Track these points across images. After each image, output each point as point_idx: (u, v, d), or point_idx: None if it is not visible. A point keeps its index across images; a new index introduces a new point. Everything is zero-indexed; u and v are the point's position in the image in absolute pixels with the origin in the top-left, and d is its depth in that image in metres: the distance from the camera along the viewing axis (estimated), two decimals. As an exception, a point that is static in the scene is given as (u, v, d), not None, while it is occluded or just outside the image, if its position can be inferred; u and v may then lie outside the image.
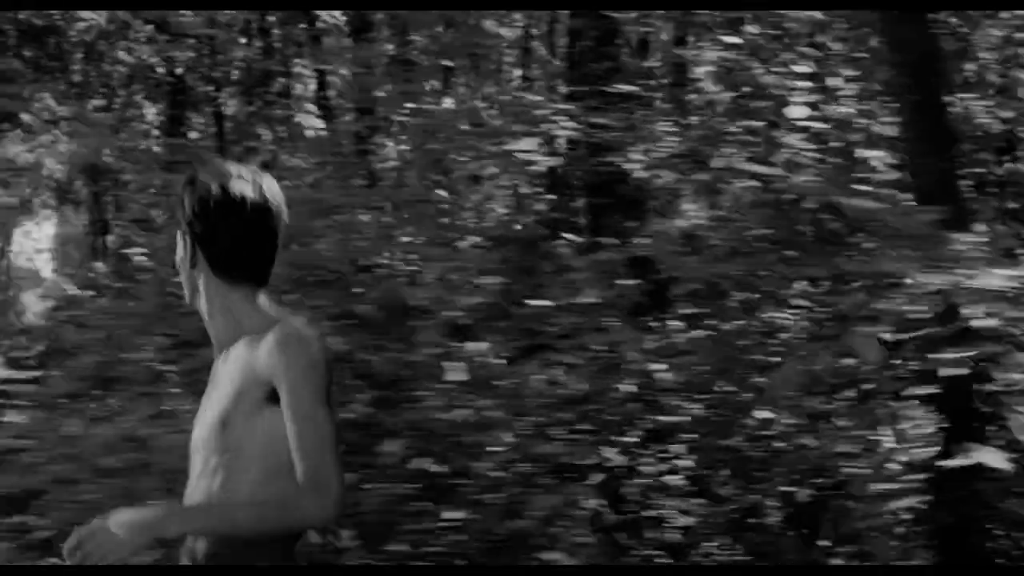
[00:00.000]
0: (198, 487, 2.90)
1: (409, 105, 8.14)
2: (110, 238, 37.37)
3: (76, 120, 23.82)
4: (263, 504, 2.75)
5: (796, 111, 6.89)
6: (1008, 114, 10.93)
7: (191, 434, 3.01)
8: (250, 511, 2.74)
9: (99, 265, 28.84)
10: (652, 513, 5.78)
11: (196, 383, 4.98)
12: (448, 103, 13.72)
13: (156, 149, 25.16)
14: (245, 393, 2.84)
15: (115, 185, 27.83)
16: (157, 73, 22.12)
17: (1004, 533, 5.74)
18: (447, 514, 5.34)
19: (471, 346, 5.67)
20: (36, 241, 50.33)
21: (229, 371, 2.90)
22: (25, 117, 22.31)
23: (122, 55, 22.71)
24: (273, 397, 2.81)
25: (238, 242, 2.92)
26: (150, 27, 20.71)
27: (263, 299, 2.98)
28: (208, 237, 2.91)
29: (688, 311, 6.32)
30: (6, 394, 8.67)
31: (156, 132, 25.11)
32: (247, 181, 2.96)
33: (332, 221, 6.24)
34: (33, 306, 53.02)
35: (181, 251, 2.98)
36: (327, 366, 2.87)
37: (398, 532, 5.26)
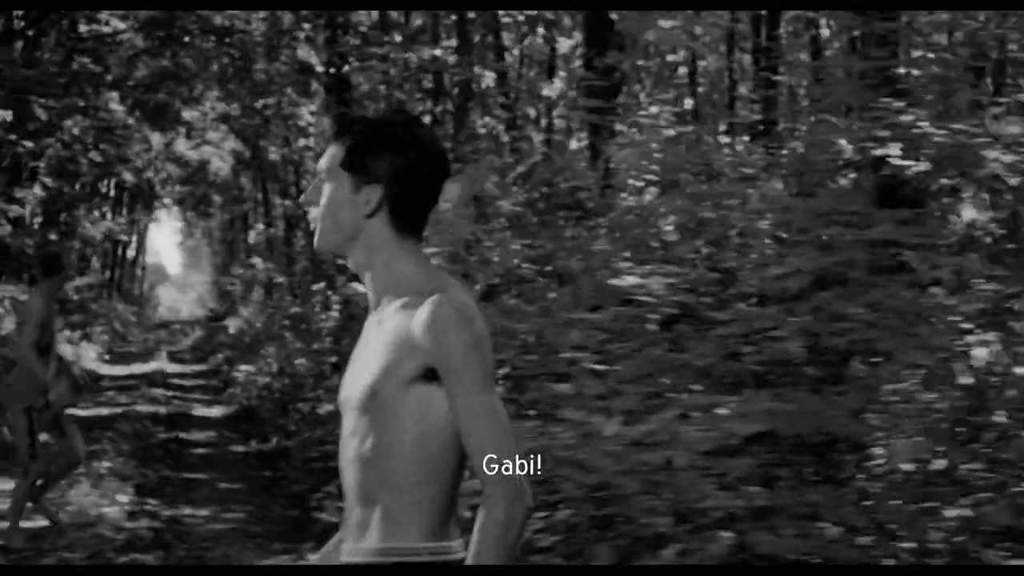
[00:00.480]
0: (349, 445, 2.86)
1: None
2: (252, 234, 38.69)
3: (243, 119, 24.61)
4: (495, 539, 2.66)
5: None
6: None
7: (342, 386, 2.96)
8: (496, 548, 2.66)
9: (256, 261, 29.94)
10: None
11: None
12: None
13: (311, 145, 26.19)
14: (397, 366, 2.76)
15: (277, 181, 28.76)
16: (318, 71, 22.93)
17: None
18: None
19: None
20: (164, 237, 51.79)
21: (383, 336, 2.81)
22: (188, 115, 23.19)
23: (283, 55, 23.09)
24: (428, 375, 2.75)
25: (424, 192, 2.85)
26: (307, 26, 21.45)
27: (424, 256, 2.93)
28: (401, 185, 2.82)
29: None
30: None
31: (313, 130, 25.99)
32: (426, 127, 2.91)
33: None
34: (167, 300, 54.62)
35: (341, 193, 2.85)
36: (489, 340, 2.80)
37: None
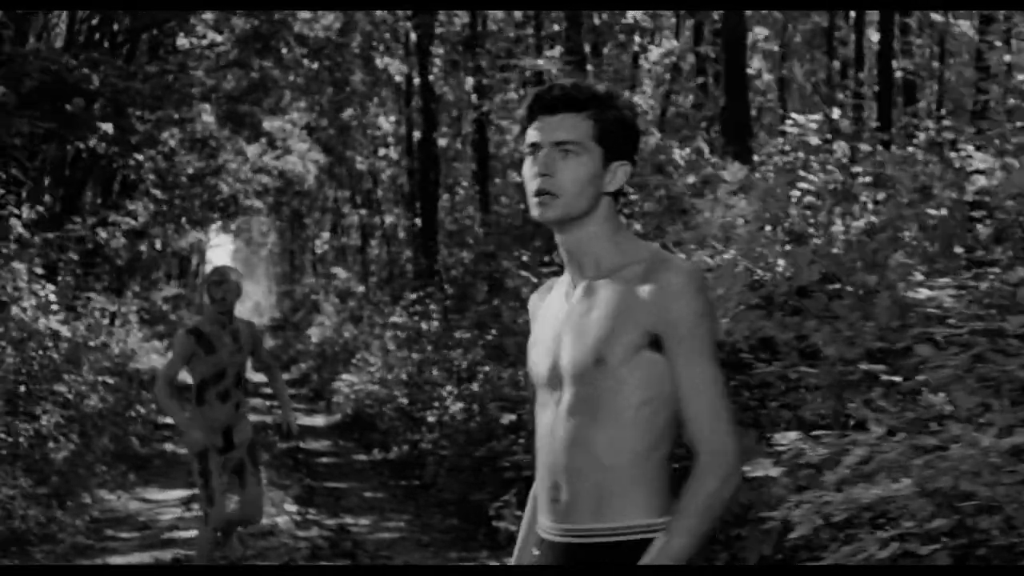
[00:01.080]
0: (559, 418, 2.82)
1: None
2: (318, 244, 38.86)
3: (329, 129, 24.83)
4: (697, 511, 2.65)
5: None
6: None
7: (535, 360, 2.92)
8: (701, 517, 2.65)
9: (338, 271, 30.10)
10: None
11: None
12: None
13: (394, 155, 26.36)
14: (623, 333, 2.74)
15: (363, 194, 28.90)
16: (398, 81, 23.09)
17: None
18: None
19: None
20: (217, 247, 51.96)
21: (602, 305, 2.80)
22: (271, 126, 23.39)
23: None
24: (654, 343, 2.74)
25: (634, 163, 2.93)
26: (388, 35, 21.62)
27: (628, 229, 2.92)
28: (632, 155, 2.89)
29: None
30: None
31: (391, 140, 26.13)
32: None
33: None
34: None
35: (592, 168, 2.82)
36: (716, 313, 3.04)
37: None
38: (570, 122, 2.82)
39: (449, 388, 13.72)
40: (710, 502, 2.66)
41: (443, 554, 9.45)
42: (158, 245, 22.21)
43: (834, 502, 4.16)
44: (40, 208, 12.91)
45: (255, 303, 57.84)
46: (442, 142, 24.68)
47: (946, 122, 14.56)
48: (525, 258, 16.68)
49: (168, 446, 15.08)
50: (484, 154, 21.61)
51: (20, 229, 11.24)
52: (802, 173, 7.60)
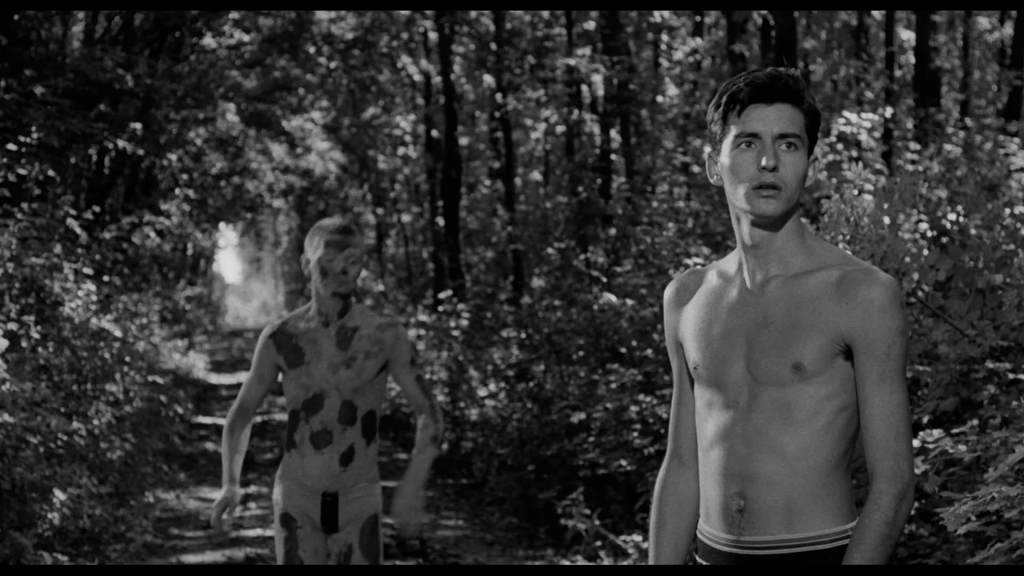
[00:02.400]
0: (753, 425, 2.75)
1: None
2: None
3: (352, 127, 24.83)
4: (875, 543, 2.62)
5: None
6: None
7: (701, 358, 2.87)
8: (882, 547, 2.62)
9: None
10: None
11: None
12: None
13: (412, 154, 26.41)
14: (818, 339, 2.68)
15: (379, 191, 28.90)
16: (417, 80, 23.12)
17: None
18: None
19: None
20: (224, 248, 52.05)
21: (799, 308, 2.73)
22: (291, 125, 23.44)
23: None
24: (848, 352, 2.69)
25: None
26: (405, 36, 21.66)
27: None
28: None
29: None
30: None
31: (409, 139, 26.13)
32: None
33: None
34: (232, 309, 54.77)
35: (804, 160, 2.75)
36: (909, 329, 2.72)
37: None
38: (789, 113, 2.74)
39: (492, 387, 13.75)
40: (888, 531, 2.62)
41: (511, 552, 9.48)
42: (190, 247, 22.27)
43: (998, 499, 4.19)
44: (97, 208, 12.93)
45: (262, 302, 57.85)
46: (463, 141, 24.70)
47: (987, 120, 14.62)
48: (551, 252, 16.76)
49: (209, 445, 15.09)
50: (509, 152, 21.63)
51: (78, 229, 11.25)
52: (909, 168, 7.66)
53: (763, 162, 2.72)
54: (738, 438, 2.77)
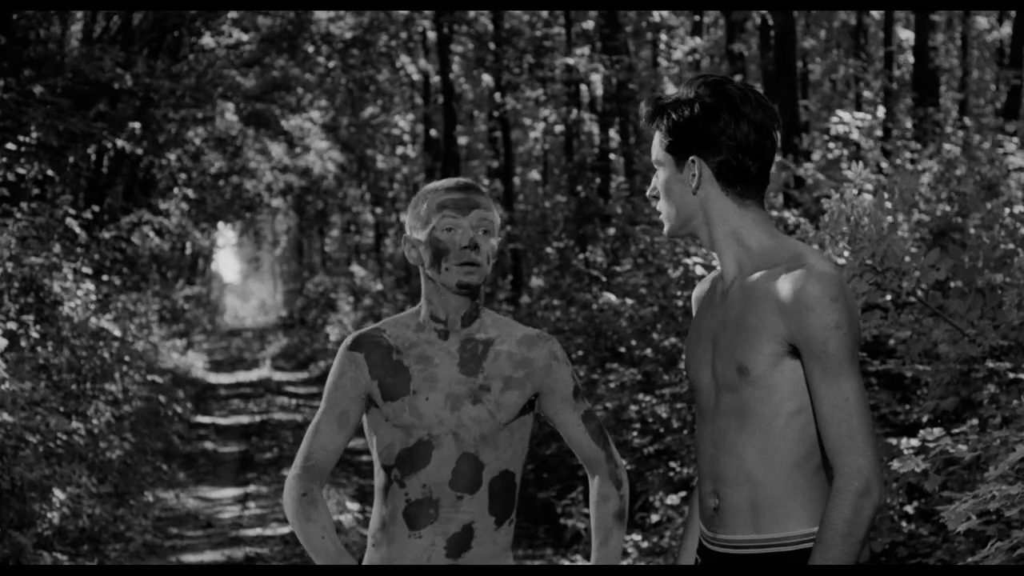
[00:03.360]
0: (713, 426, 2.76)
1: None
2: (327, 242, 38.85)
3: (351, 127, 24.85)
4: (834, 541, 2.57)
5: None
6: None
7: (691, 365, 2.86)
8: (842, 546, 2.57)
9: (356, 269, 30.07)
10: None
11: None
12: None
13: (411, 153, 26.41)
14: (764, 343, 2.64)
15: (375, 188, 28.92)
16: (415, 80, 23.13)
17: None
18: None
19: None
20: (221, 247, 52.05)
21: (745, 311, 2.69)
22: (290, 125, 23.45)
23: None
24: (795, 351, 2.64)
25: (744, 148, 2.73)
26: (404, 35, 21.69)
27: (772, 224, 2.80)
28: (713, 145, 2.73)
29: None
30: None
31: (407, 138, 26.17)
32: (735, 84, 2.78)
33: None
34: (230, 308, 54.74)
35: (669, 176, 2.78)
36: (857, 319, 2.64)
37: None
38: (655, 140, 2.86)
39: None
40: (848, 529, 2.56)
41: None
42: (188, 246, 22.29)
43: (998, 497, 4.20)
44: (95, 208, 12.93)
45: (260, 301, 57.80)
46: (462, 140, 24.71)
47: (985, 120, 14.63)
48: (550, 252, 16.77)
49: (208, 444, 15.09)
50: (508, 151, 21.63)
51: (77, 229, 11.25)
52: (909, 167, 7.67)
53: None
54: (708, 440, 2.79)
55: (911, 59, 18.19)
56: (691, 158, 2.75)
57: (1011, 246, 5.43)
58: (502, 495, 3.13)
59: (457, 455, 3.09)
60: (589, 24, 18.28)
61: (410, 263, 3.55)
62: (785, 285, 2.63)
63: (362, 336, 3.18)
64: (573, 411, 3.19)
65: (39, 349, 10.16)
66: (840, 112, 11.65)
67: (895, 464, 4.58)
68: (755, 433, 2.69)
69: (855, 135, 11.16)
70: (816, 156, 11.92)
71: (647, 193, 2.85)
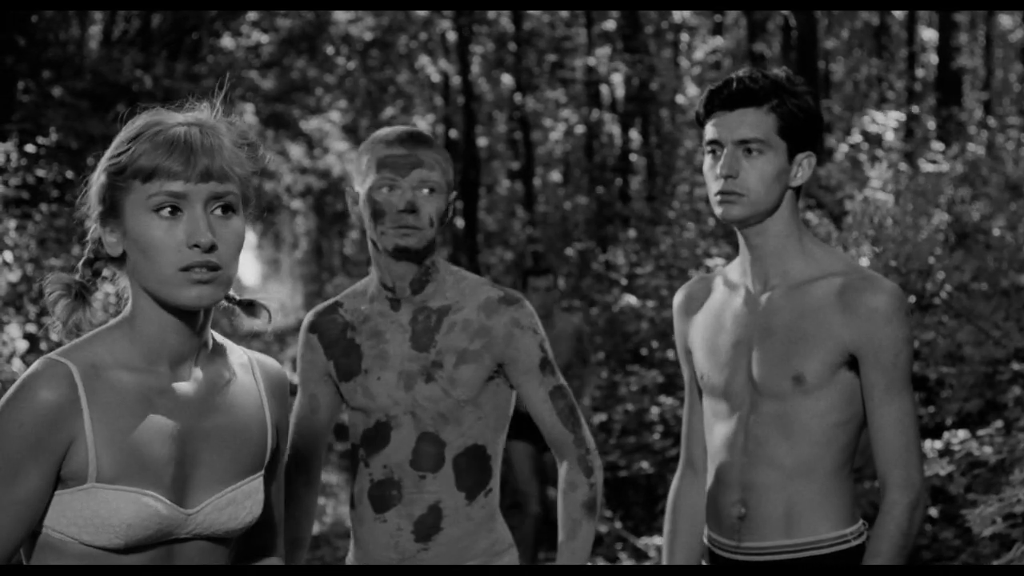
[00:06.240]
0: (747, 434, 2.74)
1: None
2: (347, 243, 38.77)
3: (370, 128, 24.83)
4: (890, 553, 2.60)
5: None
6: None
7: (708, 369, 2.83)
8: (898, 556, 2.61)
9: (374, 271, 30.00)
10: None
11: None
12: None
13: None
14: (822, 352, 2.64)
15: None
16: (435, 82, 23.06)
17: None
18: None
19: None
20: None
21: (793, 318, 2.69)
22: (309, 126, 23.43)
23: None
24: (852, 362, 2.64)
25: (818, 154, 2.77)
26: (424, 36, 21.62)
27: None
28: (817, 146, 2.77)
29: None
30: None
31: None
32: None
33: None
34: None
35: (776, 160, 2.71)
36: (913, 337, 2.69)
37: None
38: (752, 118, 2.69)
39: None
40: (903, 541, 2.61)
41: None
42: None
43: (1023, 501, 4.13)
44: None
45: (280, 304, 57.83)
46: (482, 141, 24.66)
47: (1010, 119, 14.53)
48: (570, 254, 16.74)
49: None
50: (529, 152, 21.59)
51: (97, 231, 11.19)
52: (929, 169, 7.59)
53: (718, 170, 2.71)
54: (739, 448, 2.76)
55: (934, 59, 18.10)
56: (807, 152, 2.73)
57: (1036, 247, 5.36)
58: (471, 469, 2.90)
59: (416, 435, 2.89)
60: (610, 24, 18.24)
61: (351, 219, 3.37)
62: (852, 295, 2.63)
63: (318, 315, 3.02)
64: (539, 386, 2.90)
65: (59, 351, 10.13)
66: (872, 111, 11.56)
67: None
68: (800, 443, 2.69)
69: (889, 135, 11.07)
70: (839, 156, 11.83)
71: (723, 172, 2.67)
